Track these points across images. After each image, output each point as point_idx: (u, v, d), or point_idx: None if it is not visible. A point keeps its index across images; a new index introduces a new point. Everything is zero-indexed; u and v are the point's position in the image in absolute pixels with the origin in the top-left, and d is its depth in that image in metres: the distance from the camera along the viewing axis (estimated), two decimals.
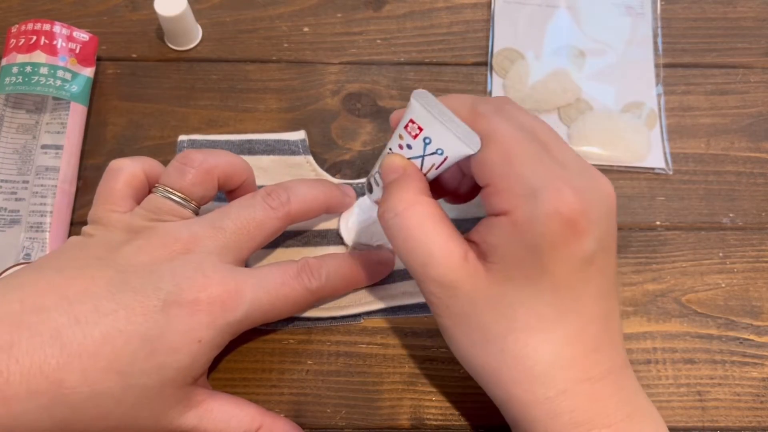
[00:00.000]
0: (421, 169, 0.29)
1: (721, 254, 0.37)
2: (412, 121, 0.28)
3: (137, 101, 0.40)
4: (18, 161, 0.37)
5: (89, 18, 0.43)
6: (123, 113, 0.40)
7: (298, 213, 0.32)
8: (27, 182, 0.37)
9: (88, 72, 0.39)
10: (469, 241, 0.28)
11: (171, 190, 0.31)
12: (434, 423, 0.33)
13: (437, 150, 0.28)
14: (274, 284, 0.30)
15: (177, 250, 0.29)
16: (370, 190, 0.32)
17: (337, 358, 0.34)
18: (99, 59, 0.41)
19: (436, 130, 0.28)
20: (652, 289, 0.36)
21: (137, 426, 0.28)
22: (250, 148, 0.38)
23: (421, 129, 0.28)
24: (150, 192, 0.32)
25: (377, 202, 0.31)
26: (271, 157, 0.38)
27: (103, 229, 0.30)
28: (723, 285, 0.36)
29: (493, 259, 0.27)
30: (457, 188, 0.32)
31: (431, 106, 0.28)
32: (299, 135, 0.38)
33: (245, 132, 0.39)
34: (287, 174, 0.37)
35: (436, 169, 0.29)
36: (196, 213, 0.32)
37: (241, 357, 0.34)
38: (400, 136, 0.29)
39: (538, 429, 0.26)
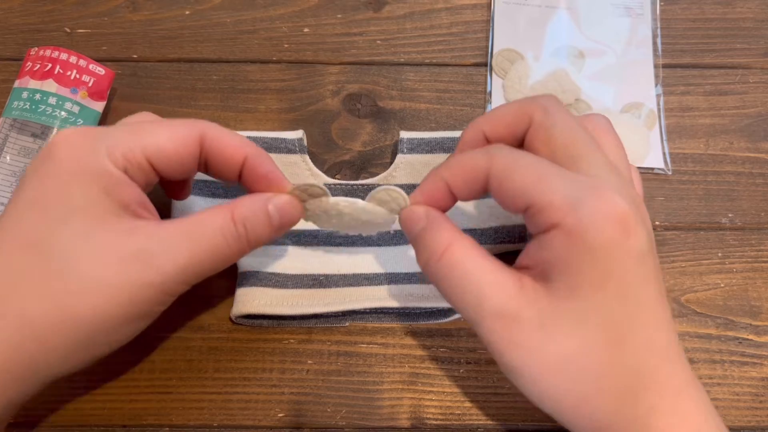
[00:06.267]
0: None
1: (720, 254, 0.37)
2: None
3: (138, 102, 0.40)
4: (15, 184, 0.37)
5: (90, 18, 0.43)
6: (123, 114, 0.39)
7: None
8: None
9: (98, 107, 0.38)
10: (519, 269, 0.27)
11: None
12: (434, 423, 0.33)
13: None
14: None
15: None
16: None
17: (337, 357, 0.34)
18: (99, 60, 0.41)
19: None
20: None
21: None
22: None
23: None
24: None
25: None
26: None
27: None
28: (722, 285, 0.36)
29: (553, 277, 0.25)
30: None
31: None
32: (297, 134, 0.38)
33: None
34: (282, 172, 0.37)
35: None
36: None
37: (241, 356, 0.34)
38: None
39: None
